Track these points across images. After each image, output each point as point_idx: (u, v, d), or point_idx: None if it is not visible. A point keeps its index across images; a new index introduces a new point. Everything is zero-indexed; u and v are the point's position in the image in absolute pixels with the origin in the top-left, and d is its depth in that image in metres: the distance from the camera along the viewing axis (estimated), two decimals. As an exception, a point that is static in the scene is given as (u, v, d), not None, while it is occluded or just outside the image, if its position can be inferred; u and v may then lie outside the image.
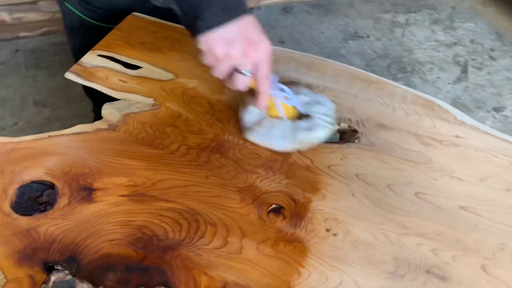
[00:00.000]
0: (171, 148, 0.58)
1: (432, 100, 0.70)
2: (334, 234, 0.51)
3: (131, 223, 0.49)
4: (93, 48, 0.72)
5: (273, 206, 0.53)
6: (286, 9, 2.42)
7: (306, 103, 0.62)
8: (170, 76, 0.69)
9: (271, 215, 0.52)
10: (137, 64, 0.70)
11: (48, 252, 0.45)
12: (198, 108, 0.64)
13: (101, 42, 0.73)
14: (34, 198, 0.50)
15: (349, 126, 0.65)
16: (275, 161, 0.58)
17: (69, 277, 0.44)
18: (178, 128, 0.61)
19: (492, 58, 2.18)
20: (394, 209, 0.54)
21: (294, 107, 0.61)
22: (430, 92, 1.94)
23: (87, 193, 0.51)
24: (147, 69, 0.69)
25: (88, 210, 0.49)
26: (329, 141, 0.62)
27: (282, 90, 0.61)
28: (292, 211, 0.52)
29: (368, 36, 2.30)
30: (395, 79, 1.99)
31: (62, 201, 0.50)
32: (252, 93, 0.59)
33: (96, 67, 0.68)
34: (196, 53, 0.69)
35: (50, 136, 0.57)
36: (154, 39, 0.75)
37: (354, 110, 0.67)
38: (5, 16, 1.72)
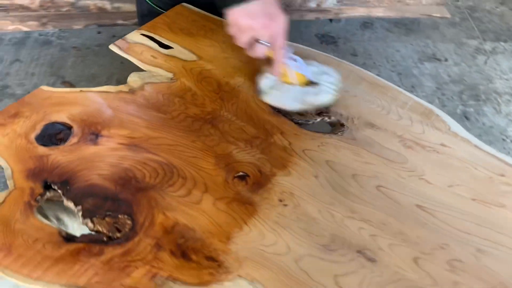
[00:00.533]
0: (173, 114, 0.68)
1: (433, 110, 0.72)
2: (285, 205, 0.57)
3: (120, 165, 0.59)
4: (139, 28, 0.85)
5: (240, 173, 0.60)
6: (366, 24, 2.44)
7: (315, 72, 0.72)
8: (193, 57, 0.79)
9: (235, 180, 0.59)
10: (169, 45, 0.81)
11: (50, 174, 0.57)
12: (207, 87, 0.73)
13: (147, 24, 0.86)
14: (54, 135, 0.63)
15: (338, 120, 0.70)
16: (256, 138, 0.65)
17: (61, 198, 0.56)
18: (184, 99, 0.71)
19: None
20: (349, 195, 0.58)
21: (304, 75, 0.71)
22: (501, 124, 1.85)
23: (94, 137, 0.63)
24: (177, 50, 0.80)
25: (90, 150, 0.61)
26: (319, 131, 0.68)
27: (295, 60, 0.71)
28: (255, 180, 0.59)
29: (446, 60, 2.24)
30: (464, 105, 1.92)
31: (73, 140, 0.62)
32: (268, 61, 0.70)
33: (136, 43, 0.81)
34: (222, 42, 0.80)
35: (81, 90, 0.70)
36: (192, 26, 0.86)
37: (348, 107, 0.72)
38: (107, 5, 1.97)
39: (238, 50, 0.80)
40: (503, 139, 1.76)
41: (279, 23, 0.66)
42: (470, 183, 0.61)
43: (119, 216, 0.53)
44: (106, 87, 0.71)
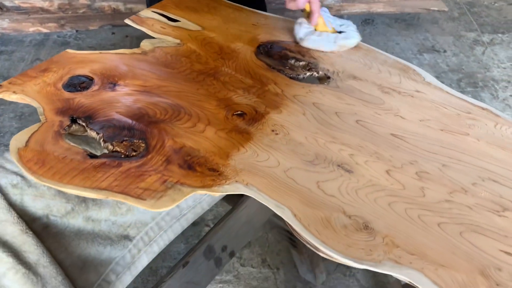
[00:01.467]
0: (180, 69, 0.78)
1: (410, 66, 0.81)
2: (276, 133, 0.66)
3: (134, 105, 0.69)
4: (150, 7, 0.96)
5: (239, 112, 0.70)
6: (367, 21, 2.54)
7: (339, 23, 0.89)
8: (198, 28, 0.89)
9: (234, 116, 0.69)
10: (177, 19, 0.92)
11: (75, 111, 0.67)
12: (210, 49, 0.84)
13: (158, 4, 0.97)
14: (78, 84, 0.73)
15: (325, 74, 0.79)
16: (253, 87, 0.75)
17: (86, 131, 0.66)
18: (190, 58, 0.81)
19: None
20: (332, 127, 0.67)
21: (332, 25, 0.89)
22: (498, 107, 1.92)
23: (112, 86, 0.73)
24: (184, 23, 0.91)
25: (109, 94, 0.71)
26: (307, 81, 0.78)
27: (326, 12, 0.88)
28: (251, 116, 0.69)
29: (445, 51, 2.32)
30: (463, 92, 1.99)
31: (94, 88, 0.72)
32: (306, 13, 0.86)
33: (148, 18, 0.92)
34: (223, 16, 0.90)
35: (101, 52, 0.81)
36: (197, 4, 0.97)
37: (334, 64, 0.81)
38: (121, 6, 2.10)
39: (237, 21, 0.91)
40: (499, 124, 1.82)
41: None
42: (439, 118, 0.70)
43: (134, 140, 0.63)
44: (122, 50, 0.82)
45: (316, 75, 0.79)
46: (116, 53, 0.81)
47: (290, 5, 0.83)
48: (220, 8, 0.96)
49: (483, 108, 0.71)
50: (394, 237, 0.52)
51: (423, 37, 2.42)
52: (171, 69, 0.78)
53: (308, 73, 0.79)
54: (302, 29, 0.86)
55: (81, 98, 0.70)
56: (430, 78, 0.78)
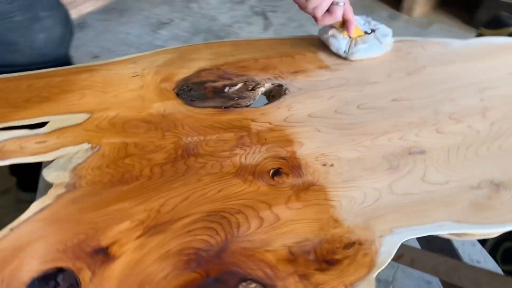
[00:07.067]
0: (145, 174, 0.55)
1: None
2: (331, 165, 0.57)
3: (169, 253, 0.47)
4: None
5: (271, 170, 0.56)
6: (80, 24, 2.32)
7: (363, 22, 0.79)
8: (84, 116, 0.63)
9: (275, 178, 0.55)
10: (42, 121, 0.62)
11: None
12: (137, 130, 0.61)
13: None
14: (53, 290, 0.43)
15: (272, 84, 0.70)
16: (242, 138, 0.61)
17: None
18: (135, 155, 0.58)
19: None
20: (350, 125, 0.62)
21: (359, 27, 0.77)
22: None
23: (102, 255, 0.46)
24: (56, 121, 0.62)
25: (117, 269, 0.45)
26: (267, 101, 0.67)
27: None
28: (288, 166, 0.56)
29: (172, 20, 2.36)
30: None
31: (85, 279, 0.44)
32: (339, 23, 0.75)
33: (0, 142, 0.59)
34: (90, 86, 0.66)
35: (11, 229, 0.49)
36: (35, 92, 0.67)
37: (266, 68, 0.72)
38: None
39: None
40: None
41: None
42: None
43: None
44: (38, 203, 0.52)
45: (263, 89, 0.70)
46: (36, 215, 0.50)
47: (326, 20, 0.70)
48: (62, 83, 0.70)
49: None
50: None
51: (142, 17, 2.42)
52: (135, 181, 0.55)
53: (254, 92, 0.69)
54: (343, 42, 0.75)
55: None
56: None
